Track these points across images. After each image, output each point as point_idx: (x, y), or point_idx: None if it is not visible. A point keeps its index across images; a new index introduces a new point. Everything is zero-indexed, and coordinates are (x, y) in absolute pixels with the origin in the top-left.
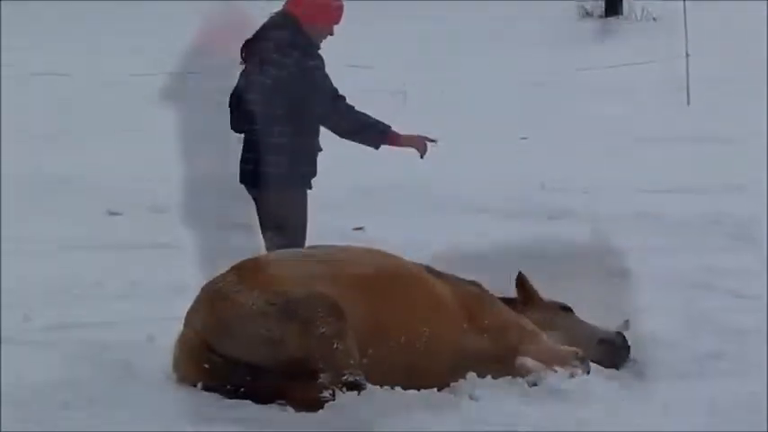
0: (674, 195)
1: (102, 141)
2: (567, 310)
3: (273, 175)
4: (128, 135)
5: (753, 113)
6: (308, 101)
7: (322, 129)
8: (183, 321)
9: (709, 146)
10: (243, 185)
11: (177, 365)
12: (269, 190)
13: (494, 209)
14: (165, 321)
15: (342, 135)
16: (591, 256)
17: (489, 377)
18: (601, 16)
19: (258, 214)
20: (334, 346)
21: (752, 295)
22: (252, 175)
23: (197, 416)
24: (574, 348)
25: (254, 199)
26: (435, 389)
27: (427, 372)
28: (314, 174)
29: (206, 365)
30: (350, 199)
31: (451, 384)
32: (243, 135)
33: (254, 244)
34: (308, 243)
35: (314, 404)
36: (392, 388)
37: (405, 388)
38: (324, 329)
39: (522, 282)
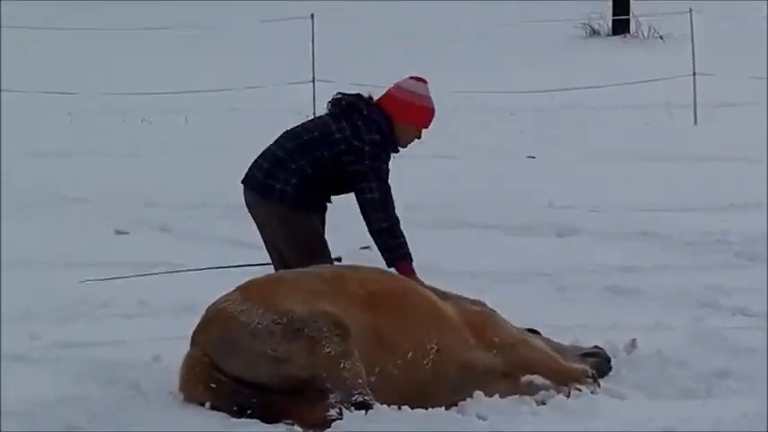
0: (680, 214)
1: (110, 161)
2: (535, 332)
3: (276, 189)
4: (134, 153)
5: (759, 132)
6: (355, 183)
7: None
8: (189, 340)
9: (716, 165)
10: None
11: (184, 385)
12: (272, 204)
13: (502, 226)
14: (171, 341)
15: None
16: (598, 274)
17: (497, 396)
18: (608, 35)
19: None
20: (341, 365)
21: (759, 313)
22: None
23: None
24: (584, 366)
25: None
26: (443, 408)
27: (434, 390)
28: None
29: (212, 385)
30: (357, 218)
31: (459, 403)
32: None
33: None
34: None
35: (321, 423)
36: (399, 407)
37: (412, 407)
38: (329, 349)
39: None
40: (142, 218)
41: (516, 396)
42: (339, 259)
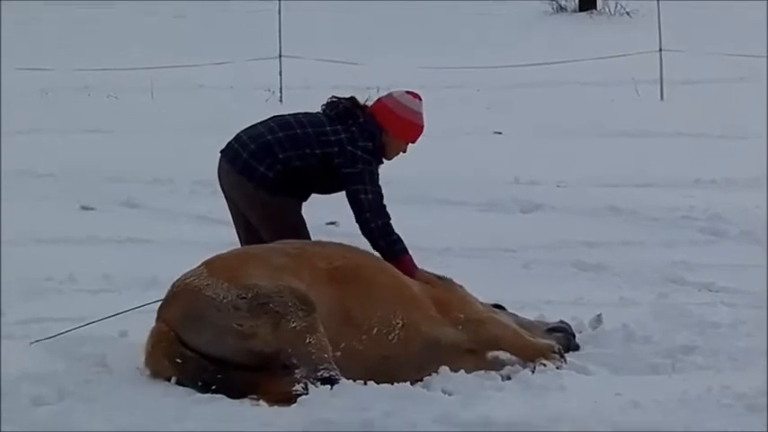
0: (646, 190)
1: (76, 136)
2: (501, 308)
3: (259, 171)
4: (101, 131)
5: (725, 109)
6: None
7: None
8: (155, 316)
9: (682, 141)
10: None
11: (150, 360)
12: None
13: (467, 202)
14: (137, 316)
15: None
16: (563, 249)
17: (462, 371)
18: (575, 11)
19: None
20: (307, 340)
21: (724, 289)
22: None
23: (170, 410)
24: (550, 341)
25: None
26: (408, 383)
27: (400, 365)
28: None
29: (178, 360)
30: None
31: (424, 379)
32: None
33: (227, 239)
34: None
35: (287, 398)
36: (365, 382)
37: (378, 382)
38: (295, 324)
39: None
40: (108, 193)
41: (482, 372)
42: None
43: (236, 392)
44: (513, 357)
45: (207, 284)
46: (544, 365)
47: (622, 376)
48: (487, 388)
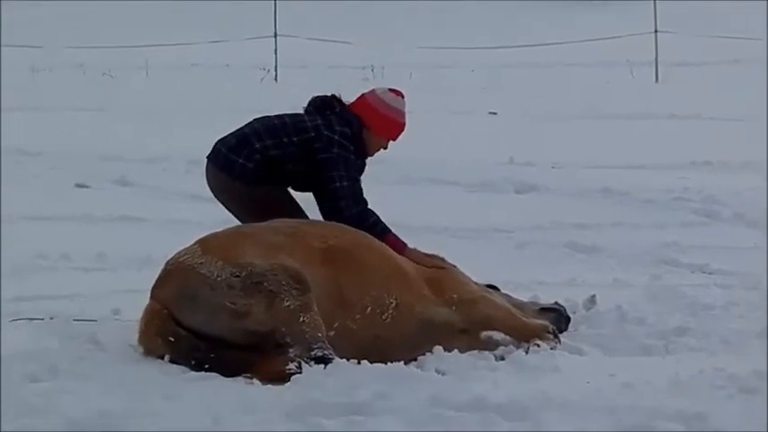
0: (640, 171)
1: (71, 114)
2: (494, 288)
3: (237, 164)
4: (96, 109)
5: (719, 91)
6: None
7: None
8: (148, 294)
9: (676, 122)
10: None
11: (143, 338)
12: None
13: (462, 182)
14: (131, 294)
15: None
16: (557, 230)
17: (456, 351)
18: None
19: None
20: (300, 319)
21: (717, 271)
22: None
23: (163, 388)
24: (544, 322)
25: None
26: (402, 362)
27: (393, 345)
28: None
29: (171, 339)
30: None
31: (418, 358)
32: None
33: (221, 217)
34: None
35: (280, 377)
36: (359, 361)
37: (371, 361)
38: (288, 303)
39: None
40: (103, 172)
41: (475, 352)
42: None
43: (229, 371)
44: (507, 337)
45: (201, 263)
46: (538, 346)
47: (615, 357)
48: (481, 368)
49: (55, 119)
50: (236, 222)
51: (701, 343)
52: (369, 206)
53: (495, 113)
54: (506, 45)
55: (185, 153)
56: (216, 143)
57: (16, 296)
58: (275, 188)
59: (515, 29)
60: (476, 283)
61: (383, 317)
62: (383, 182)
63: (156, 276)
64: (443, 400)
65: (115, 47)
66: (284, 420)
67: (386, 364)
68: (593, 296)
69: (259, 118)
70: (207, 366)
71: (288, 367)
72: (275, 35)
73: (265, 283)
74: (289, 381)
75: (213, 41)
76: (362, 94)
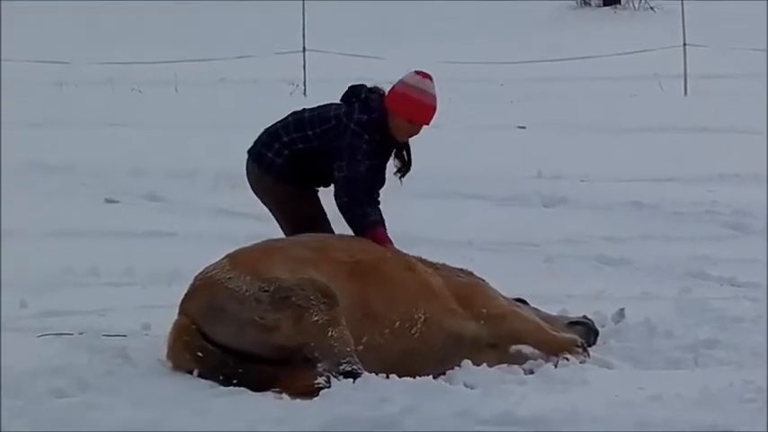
0: (669, 184)
1: (101, 130)
2: (523, 302)
3: (267, 158)
4: (125, 124)
5: (748, 103)
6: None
7: None
8: (177, 309)
9: (705, 135)
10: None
11: (171, 353)
12: (259, 172)
13: (491, 196)
14: (160, 309)
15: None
16: (586, 244)
17: (485, 365)
18: (599, 6)
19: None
20: (329, 333)
21: (746, 284)
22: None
23: (192, 403)
24: (573, 335)
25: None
26: (430, 376)
27: (422, 358)
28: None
29: (199, 354)
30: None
31: (447, 372)
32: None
33: (250, 232)
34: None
35: (309, 391)
36: (387, 376)
37: (400, 376)
38: (317, 317)
39: None
40: (131, 187)
41: (504, 366)
42: None
43: (258, 386)
44: (536, 351)
45: (229, 277)
46: (567, 360)
47: (644, 371)
48: (509, 382)
49: (84, 134)
50: (276, 231)
51: (731, 356)
52: (369, 200)
53: (523, 128)
54: (535, 60)
55: (214, 168)
56: (257, 138)
57: (45, 311)
58: (303, 189)
59: (543, 44)
60: (504, 297)
61: (411, 331)
62: (411, 195)
63: (185, 291)
64: (472, 413)
65: (144, 62)
66: None
67: (414, 378)
68: (622, 309)
69: (296, 111)
70: (235, 381)
71: (316, 381)
72: (304, 50)
73: (293, 298)
74: (317, 395)
75: (241, 57)
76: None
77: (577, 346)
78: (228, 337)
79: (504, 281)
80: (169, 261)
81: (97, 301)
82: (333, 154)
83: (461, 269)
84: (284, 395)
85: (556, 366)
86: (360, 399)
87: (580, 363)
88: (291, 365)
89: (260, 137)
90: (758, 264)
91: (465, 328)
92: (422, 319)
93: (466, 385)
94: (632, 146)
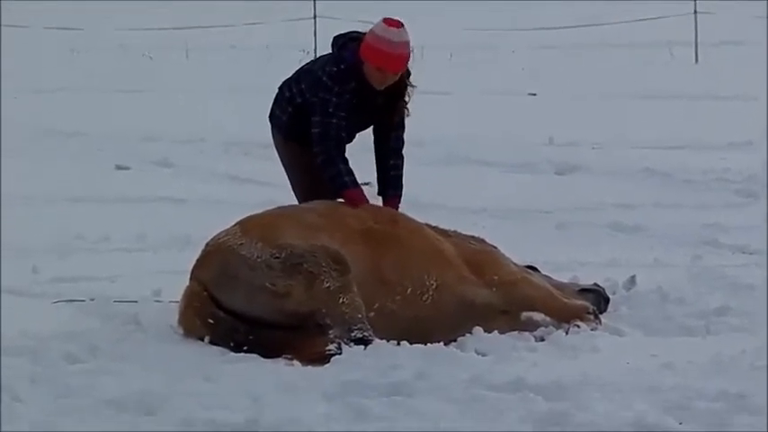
0: (681, 152)
1: (112, 96)
2: (534, 269)
3: (276, 116)
4: (136, 91)
5: (759, 71)
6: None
7: None
8: (188, 275)
9: (716, 103)
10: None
11: (182, 319)
12: (274, 131)
13: (502, 163)
14: (171, 275)
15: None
16: (598, 211)
17: (496, 332)
18: None
19: None
20: (340, 300)
21: (758, 251)
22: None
23: (203, 369)
24: (585, 302)
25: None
26: (442, 343)
27: (433, 326)
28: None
29: (210, 321)
30: (357, 154)
31: (458, 339)
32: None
33: (261, 198)
34: None
35: (321, 358)
36: (398, 342)
37: (411, 342)
38: (328, 284)
39: None
40: (142, 153)
41: (515, 332)
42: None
43: (269, 352)
44: (548, 318)
45: (240, 244)
46: (578, 327)
47: (656, 338)
48: (520, 349)
49: (95, 100)
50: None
51: (743, 323)
52: (339, 154)
53: (534, 95)
54: (545, 26)
55: (225, 134)
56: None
57: (57, 277)
58: (308, 150)
59: (554, 11)
60: (516, 264)
61: (423, 298)
62: (423, 163)
63: (197, 257)
64: (483, 380)
65: (155, 29)
66: (324, 401)
67: (426, 344)
68: (633, 277)
69: (305, 63)
70: (246, 348)
71: (328, 348)
72: (314, 16)
73: (305, 264)
74: (329, 362)
75: (252, 23)
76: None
77: (588, 313)
78: (240, 304)
79: (515, 248)
80: (180, 227)
81: (108, 267)
82: (312, 108)
83: (473, 236)
84: (295, 362)
85: (567, 333)
86: (371, 365)
87: (591, 330)
88: (303, 332)
89: (275, 96)
90: None
91: (476, 294)
92: (433, 286)
93: (477, 352)
94: (644, 113)
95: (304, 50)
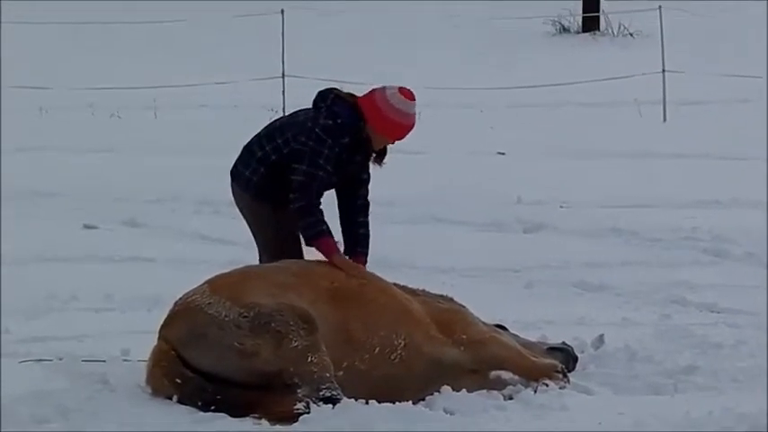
0: (648, 210)
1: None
2: (503, 328)
3: (244, 176)
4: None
5: (727, 130)
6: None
7: None
8: (156, 334)
9: (685, 161)
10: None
11: (151, 379)
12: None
13: (471, 222)
14: (139, 334)
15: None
16: (566, 270)
17: (464, 390)
18: (578, 32)
19: None
20: (309, 359)
21: (726, 310)
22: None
23: (171, 428)
24: (553, 361)
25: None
26: (410, 402)
27: (402, 385)
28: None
29: (178, 380)
30: (327, 212)
31: (427, 398)
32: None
33: (230, 257)
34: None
35: (289, 417)
36: (367, 401)
37: (380, 401)
38: (296, 343)
39: None
40: (112, 212)
41: (484, 391)
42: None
43: (237, 411)
44: (516, 377)
45: (209, 303)
46: (546, 385)
47: (625, 396)
48: (489, 408)
49: (63, 159)
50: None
51: (711, 382)
52: (317, 204)
53: (503, 153)
54: (514, 86)
55: (194, 193)
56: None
57: (26, 337)
58: (280, 211)
59: (522, 70)
60: (485, 323)
61: (392, 357)
62: (392, 221)
63: (165, 317)
64: None
65: (124, 88)
66: None
67: (394, 403)
68: (602, 335)
69: (272, 121)
70: (214, 407)
71: (296, 407)
72: (283, 76)
73: (273, 324)
74: (297, 421)
75: (221, 83)
76: (373, 89)
77: (557, 371)
78: (208, 363)
79: (484, 307)
80: (149, 287)
81: (77, 326)
82: (297, 158)
83: (442, 295)
84: (263, 421)
85: (535, 392)
86: (339, 424)
87: (560, 388)
88: (271, 391)
89: (240, 154)
90: (738, 290)
91: (445, 353)
92: (402, 345)
93: (446, 411)
94: (612, 172)
95: (273, 110)
